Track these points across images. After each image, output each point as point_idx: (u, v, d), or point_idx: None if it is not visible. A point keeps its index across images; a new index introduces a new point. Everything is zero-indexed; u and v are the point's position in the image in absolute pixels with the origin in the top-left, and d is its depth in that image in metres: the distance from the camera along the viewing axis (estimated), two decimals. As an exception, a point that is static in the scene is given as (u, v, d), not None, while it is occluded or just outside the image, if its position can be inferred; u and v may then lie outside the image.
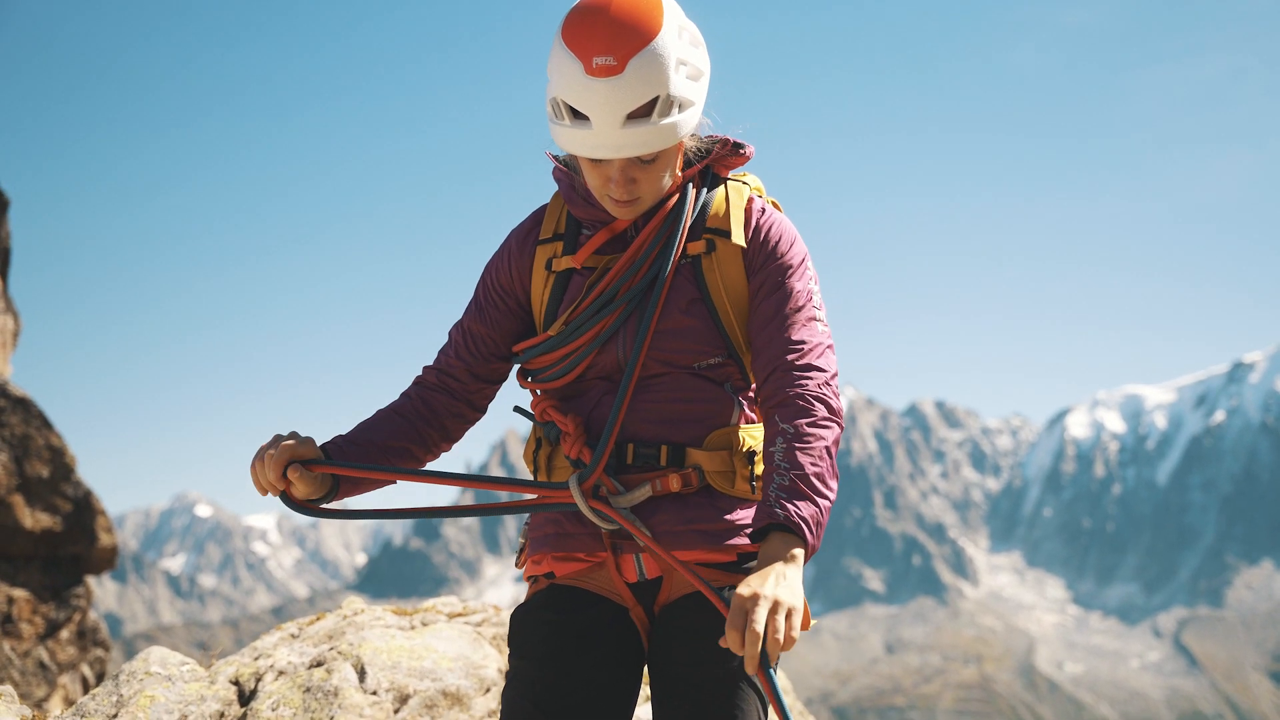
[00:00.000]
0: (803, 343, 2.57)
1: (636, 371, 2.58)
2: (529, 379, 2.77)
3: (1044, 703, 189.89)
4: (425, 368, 2.83)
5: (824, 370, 2.56)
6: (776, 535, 2.36)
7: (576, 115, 2.41)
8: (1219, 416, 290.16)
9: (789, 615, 2.20)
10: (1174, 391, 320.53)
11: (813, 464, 2.42)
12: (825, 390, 2.53)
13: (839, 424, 2.52)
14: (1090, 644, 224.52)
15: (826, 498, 2.41)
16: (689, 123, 2.48)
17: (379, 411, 2.76)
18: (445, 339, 2.86)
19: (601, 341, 2.61)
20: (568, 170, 2.72)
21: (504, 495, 2.62)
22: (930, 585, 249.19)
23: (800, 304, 2.61)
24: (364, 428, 2.71)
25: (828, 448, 2.46)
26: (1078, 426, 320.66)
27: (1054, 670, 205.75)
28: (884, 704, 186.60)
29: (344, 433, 2.70)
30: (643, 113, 2.38)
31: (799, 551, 2.33)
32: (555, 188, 2.81)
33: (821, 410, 2.50)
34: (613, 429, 2.55)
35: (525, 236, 2.78)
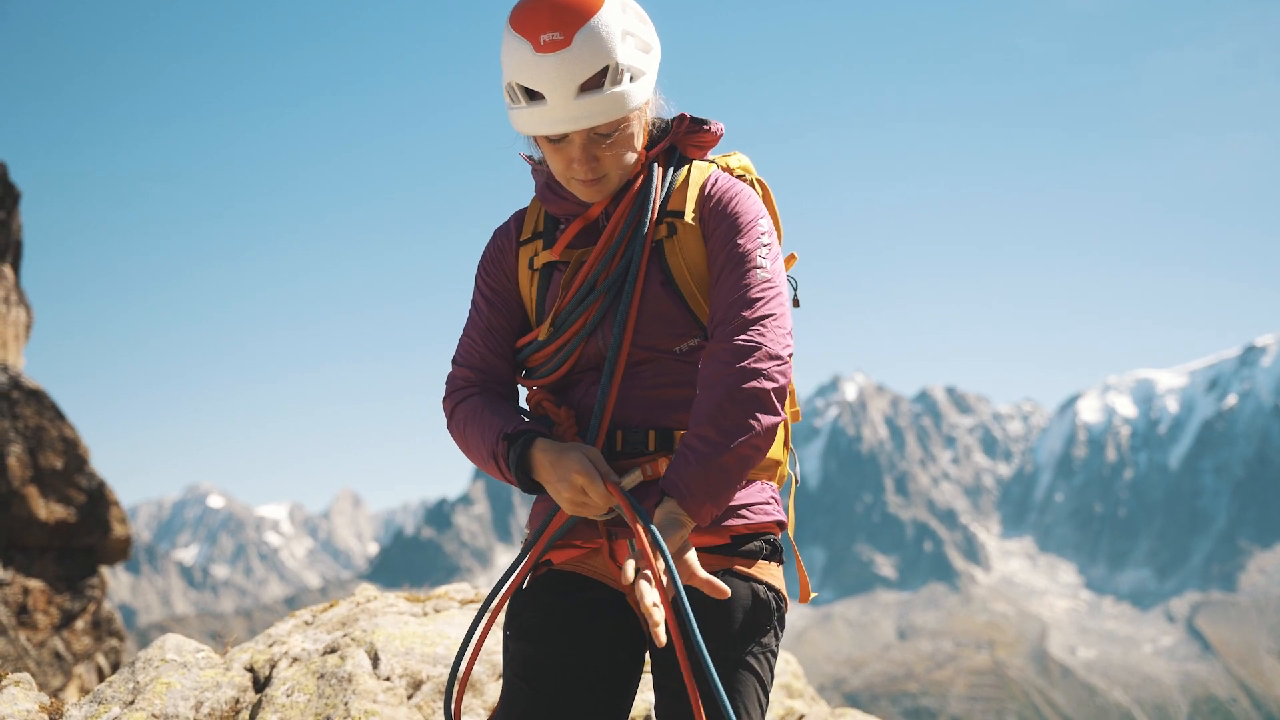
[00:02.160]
0: (744, 300, 2.54)
1: (622, 358, 2.59)
2: (525, 376, 2.80)
3: (1057, 688, 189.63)
4: (462, 374, 2.79)
5: (762, 321, 2.51)
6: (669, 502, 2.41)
7: (531, 96, 2.46)
8: (1231, 400, 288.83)
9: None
10: (1185, 375, 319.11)
11: (699, 440, 2.42)
12: (757, 336, 2.49)
13: (758, 371, 2.45)
14: (1103, 629, 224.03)
15: (726, 470, 2.41)
16: (642, 92, 2.50)
17: (492, 405, 2.70)
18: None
19: (588, 332, 2.63)
20: (542, 170, 2.76)
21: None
22: (942, 571, 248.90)
23: (757, 282, 2.56)
24: (512, 410, 2.71)
25: (743, 423, 2.42)
26: (1089, 411, 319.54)
27: (1067, 656, 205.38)
28: (896, 690, 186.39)
29: (518, 421, 2.64)
30: (594, 83, 2.42)
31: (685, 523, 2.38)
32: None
33: (740, 360, 2.46)
34: (602, 416, 2.57)
35: (507, 238, 2.83)
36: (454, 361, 2.82)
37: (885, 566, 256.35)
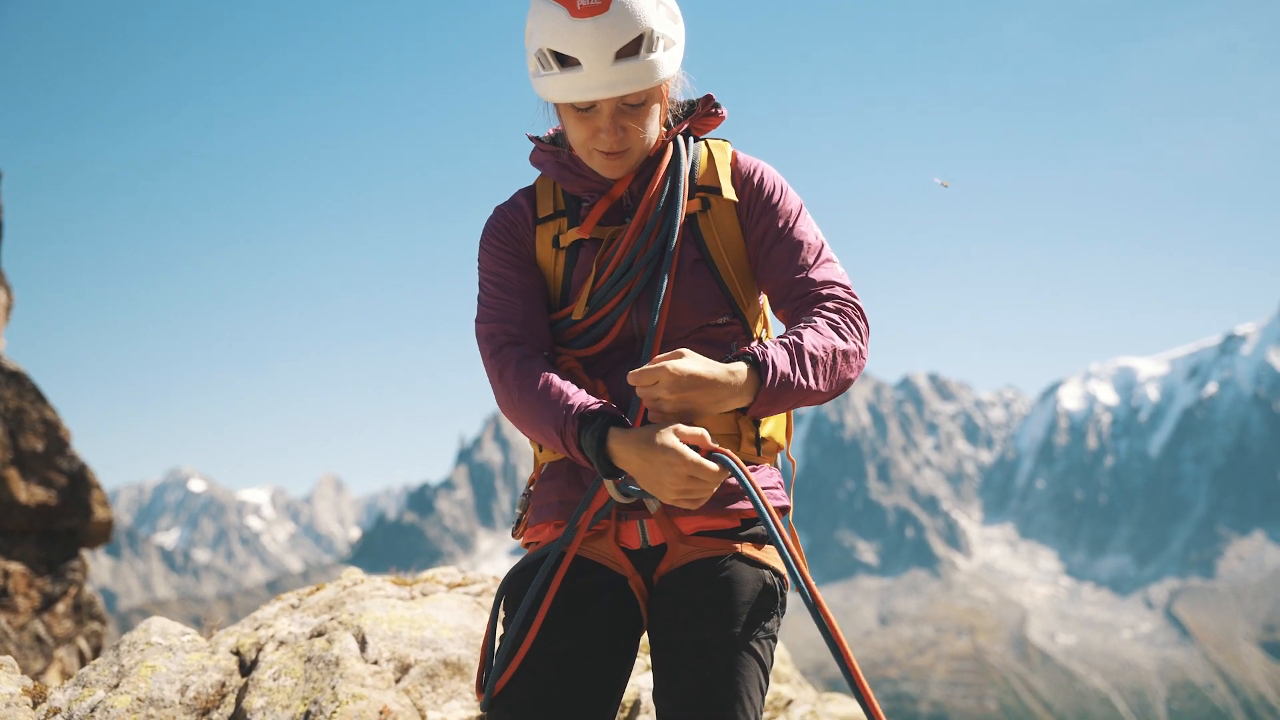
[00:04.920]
0: (830, 281, 2.60)
1: (660, 333, 2.57)
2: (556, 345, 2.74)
3: (1036, 674, 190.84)
4: (504, 329, 2.64)
5: (853, 299, 2.60)
6: (743, 361, 2.41)
7: (565, 62, 2.44)
8: (1211, 388, 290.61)
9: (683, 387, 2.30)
10: (1166, 363, 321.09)
11: (812, 344, 2.45)
12: (853, 311, 2.58)
13: (861, 343, 2.55)
14: (1082, 615, 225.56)
15: (806, 379, 2.42)
16: (674, 61, 2.51)
17: (548, 382, 2.54)
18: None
19: (629, 303, 2.60)
20: (553, 149, 2.72)
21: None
22: (923, 557, 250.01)
23: (815, 247, 2.64)
24: (575, 389, 2.54)
25: (836, 348, 2.47)
26: (1070, 399, 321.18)
27: (1046, 641, 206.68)
28: (877, 675, 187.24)
29: (589, 399, 2.49)
30: (630, 50, 2.40)
31: (746, 389, 2.38)
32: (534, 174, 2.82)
33: (845, 324, 2.53)
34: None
35: (518, 213, 2.76)
36: (488, 321, 2.66)
37: (867, 553, 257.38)
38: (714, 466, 2.29)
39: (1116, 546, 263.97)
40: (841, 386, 2.51)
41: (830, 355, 2.45)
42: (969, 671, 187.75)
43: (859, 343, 2.53)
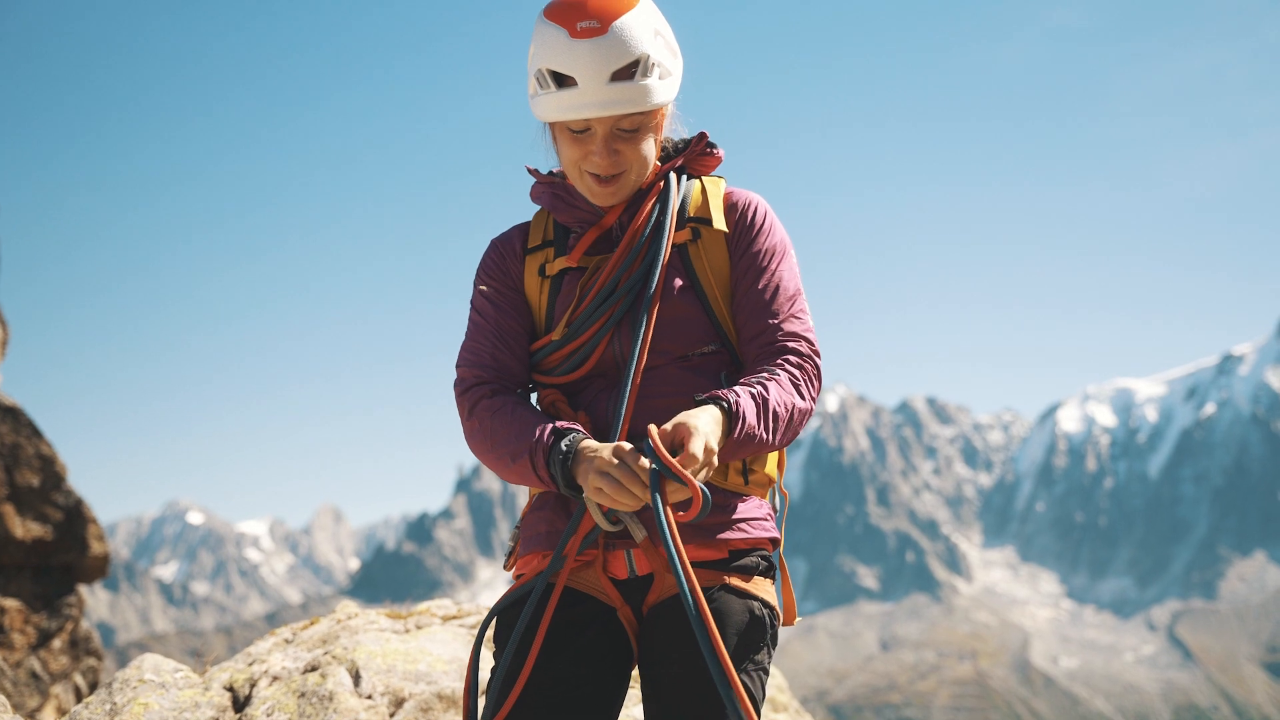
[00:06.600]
0: (797, 334, 2.66)
1: (641, 360, 2.58)
2: (537, 374, 2.79)
3: (1039, 697, 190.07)
4: (474, 374, 2.72)
5: (814, 356, 2.66)
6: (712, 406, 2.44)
7: (562, 82, 2.51)
8: (1209, 409, 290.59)
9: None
10: (1164, 384, 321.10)
11: (777, 400, 2.51)
12: (813, 369, 2.64)
13: (814, 401, 2.62)
14: (1085, 638, 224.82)
15: (767, 433, 2.49)
16: (668, 91, 2.58)
17: (525, 405, 2.65)
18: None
19: (610, 328, 2.63)
20: (549, 179, 2.80)
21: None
22: (924, 582, 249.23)
23: (790, 295, 2.70)
24: (540, 415, 2.62)
25: (796, 406, 2.55)
26: (1069, 421, 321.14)
27: (1049, 665, 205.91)
28: (880, 701, 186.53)
29: (557, 421, 2.56)
30: (626, 73, 2.49)
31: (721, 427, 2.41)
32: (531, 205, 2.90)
33: (805, 380, 2.60)
34: (621, 420, 2.54)
35: (511, 247, 2.83)
36: (461, 365, 2.75)
37: (867, 577, 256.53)
38: (633, 473, 2.33)
39: (1117, 568, 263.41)
40: (790, 441, 2.59)
41: (790, 412, 2.53)
42: (972, 696, 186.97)
43: (812, 401, 2.60)
